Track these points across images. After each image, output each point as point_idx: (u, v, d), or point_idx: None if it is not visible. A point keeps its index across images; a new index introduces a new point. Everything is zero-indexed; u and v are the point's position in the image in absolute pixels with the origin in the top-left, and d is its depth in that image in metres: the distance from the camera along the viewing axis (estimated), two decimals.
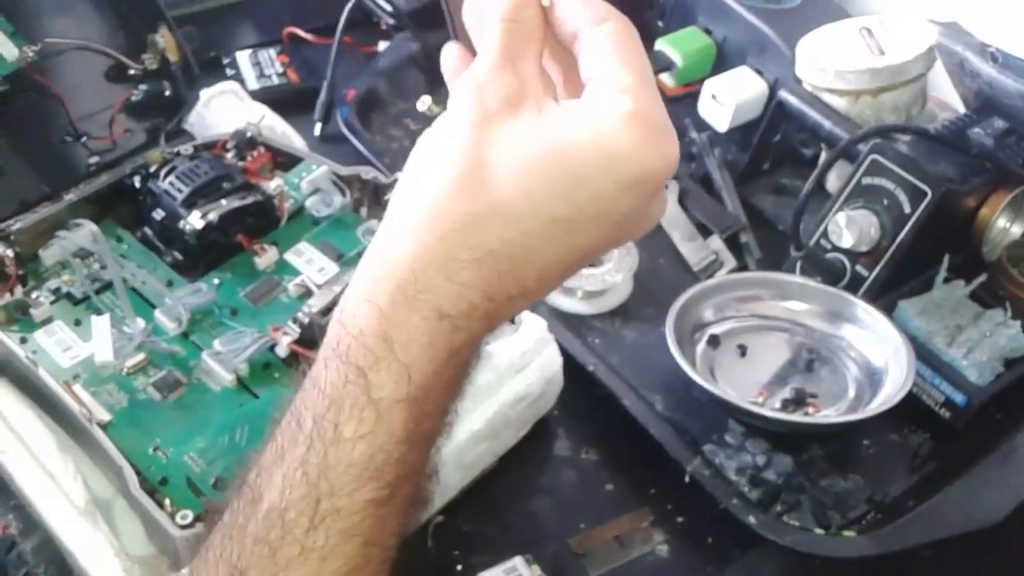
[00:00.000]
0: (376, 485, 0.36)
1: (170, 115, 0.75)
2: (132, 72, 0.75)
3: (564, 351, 0.67)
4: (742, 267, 0.79)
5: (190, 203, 0.66)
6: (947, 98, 0.83)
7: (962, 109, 0.80)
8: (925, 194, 0.68)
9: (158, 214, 0.67)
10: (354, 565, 0.37)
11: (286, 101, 0.91)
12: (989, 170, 0.72)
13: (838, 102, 0.79)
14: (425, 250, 0.36)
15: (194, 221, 0.65)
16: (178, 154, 0.71)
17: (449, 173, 0.36)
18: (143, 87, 0.74)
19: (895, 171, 0.69)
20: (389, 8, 0.96)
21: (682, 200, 0.84)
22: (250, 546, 0.37)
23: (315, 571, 0.36)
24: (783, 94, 0.80)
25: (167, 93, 0.75)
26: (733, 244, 0.80)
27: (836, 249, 0.71)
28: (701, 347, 0.70)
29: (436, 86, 0.95)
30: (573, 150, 0.36)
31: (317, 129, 0.90)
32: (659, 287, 0.77)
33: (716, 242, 0.80)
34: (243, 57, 0.95)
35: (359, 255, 0.49)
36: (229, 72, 0.93)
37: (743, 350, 0.70)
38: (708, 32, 0.93)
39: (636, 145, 0.36)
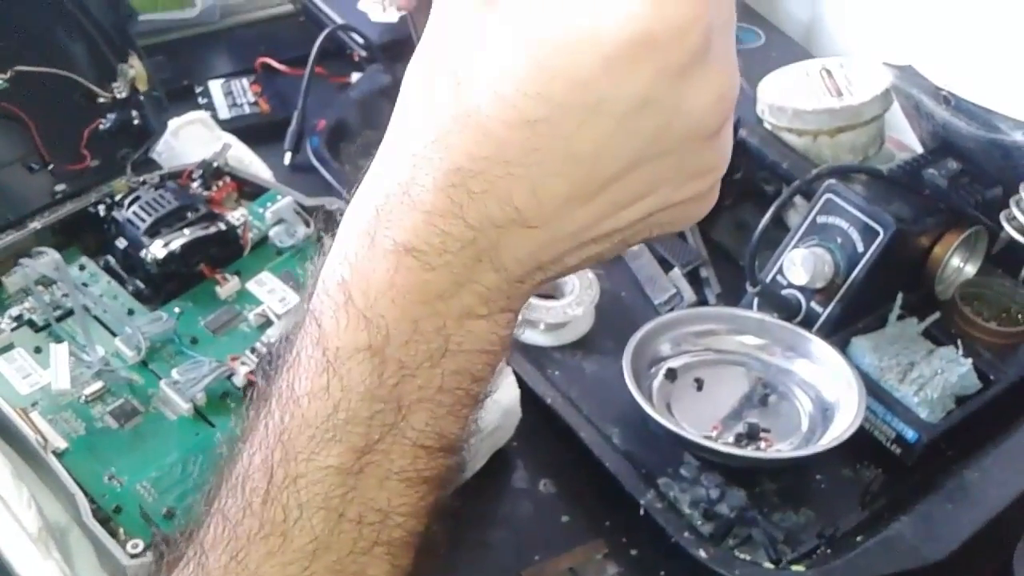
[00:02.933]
0: (339, 449, 0.32)
1: (138, 144, 0.75)
2: (101, 100, 0.76)
3: (523, 383, 0.68)
4: (702, 301, 0.80)
5: (153, 232, 0.66)
6: (905, 138, 0.85)
7: (919, 149, 0.82)
8: (877, 233, 0.70)
9: (121, 243, 0.67)
10: (325, 543, 0.33)
11: (257, 130, 0.92)
12: (943, 210, 0.74)
13: (797, 141, 0.81)
14: (388, 179, 0.31)
15: (156, 250, 0.65)
16: (144, 183, 0.71)
17: (413, 86, 0.32)
18: (111, 116, 0.75)
19: (849, 210, 0.71)
20: (361, 40, 0.98)
21: None
22: (216, 521, 0.34)
23: (278, 548, 0.32)
24: (743, 133, 0.82)
25: (136, 122, 0.76)
26: (694, 279, 0.82)
27: (791, 286, 0.73)
28: (658, 380, 0.71)
29: None
30: (540, 26, 0.28)
31: (287, 158, 0.91)
32: (620, 320, 0.78)
33: (677, 276, 0.81)
34: (215, 86, 0.96)
35: None
36: (201, 101, 0.94)
37: (699, 383, 0.71)
38: None
39: None
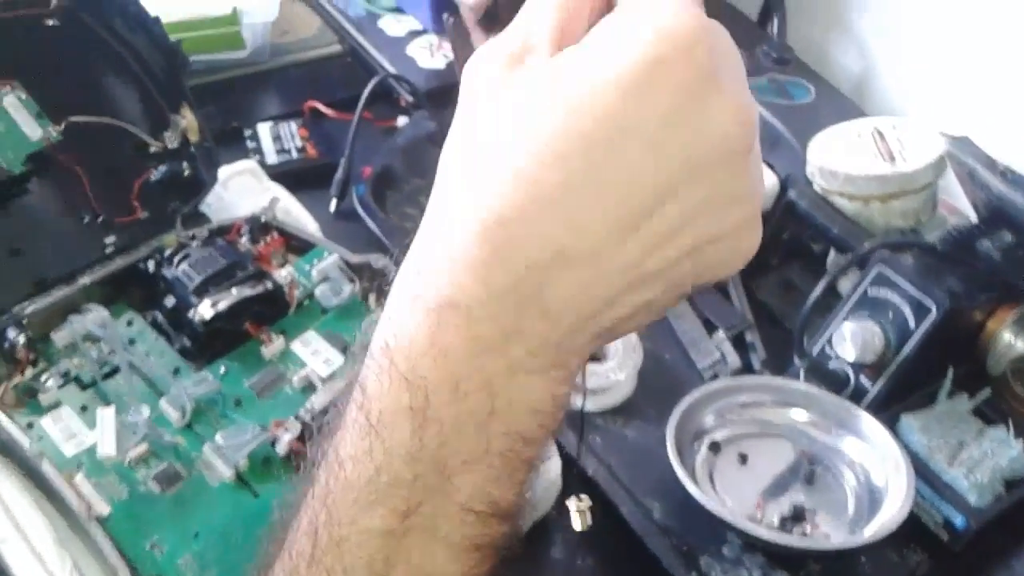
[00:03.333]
0: (382, 511, 0.32)
1: (188, 197, 0.76)
2: (153, 150, 0.77)
3: (562, 450, 0.67)
4: (746, 365, 0.79)
5: (201, 291, 0.67)
6: (958, 203, 0.84)
7: (973, 215, 0.81)
8: (929, 310, 0.68)
9: (169, 301, 0.68)
10: None
11: (304, 176, 0.93)
12: (996, 284, 0.72)
13: (847, 206, 0.79)
14: (430, 237, 0.32)
15: (204, 311, 0.66)
16: (193, 237, 0.72)
17: (451, 149, 0.33)
18: (162, 168, 0.76)
19: (900, 285, 0.70)
20: (408, 87, 0.98)
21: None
22: None
23: None
24: (792, 195, 0.81)
25: (186, 173, 0.77)
26: (739, 342, 0.81)
27: (840, 359, 0.71)
28: (702, 454, 0.70)
29: None
30: (562, 73, 0.30)
31: (333, 205, 0.91)
32: (663, 384, 0.77)
33: (721, 340, 0.80)
34: (264, 129, 0.96)
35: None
36: (250, 144, 0.95)
37: (743, 458, 0.70)
38: None
39: (630, 11, 0.30)
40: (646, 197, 0.30)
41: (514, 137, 0.30)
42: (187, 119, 0.77)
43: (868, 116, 0.91)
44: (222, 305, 0.66)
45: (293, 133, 0.97)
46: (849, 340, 0.70)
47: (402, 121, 1.00)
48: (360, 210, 0.89)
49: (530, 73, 0.31)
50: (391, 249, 0.85)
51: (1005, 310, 0.72)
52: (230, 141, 0.95)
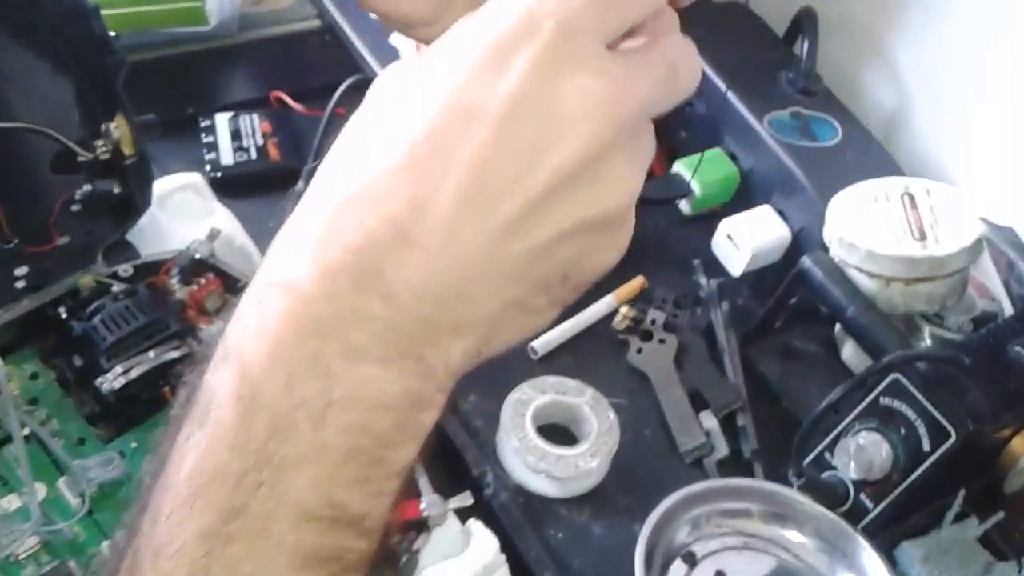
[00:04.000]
0: (203, 508, 0.28)
1: (116, 221, 0.67)
2: (81, 159, 0.67)
3: (513, 544, 0.60)
4: (735, 453, 0.71)
5: (113, 354, 0.58)
6: (990, 283, 0.75)
7: (1006, 303, 0.72)
8: (948, 435, 0.60)
9: (78, 360, 0.59)
10: None
11: (262, 181, 0.84)
12: None
13: (866, 283, 0.70)
14: (287, 226, 0.31)
15: (113, 379, 0.57)
16: (115, 276, 0.63)
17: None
18: (88, 186, 0.66)
19: (917, 399, 0.61)
20: None
21: (679, 358, 0.76)
22: None
23: None
24: (807, 263, 0.72)
25: (116, 191, 0.67)
26: (729, 422, 0.72)
27: (840, 471, 0.63)
28: (676, 565, 0.62)
29: None
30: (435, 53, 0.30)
31: None
32: (639, 468, 0.69)
33: (710, 420, 0.72)
34: (222, 122, 0.86)
35: None
36: (205, 139, 0.84)
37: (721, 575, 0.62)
38: (733, 158, 0.84)
39: None
40: (497, 181, 0.28)
41: (370, 123, 0.30)
42: (121, 129, 0.67)
43: (898, 163, 0.81)
44: (136, 372, 0.58)
45: (255, 128, 0.86)
46: (853, 454, 0.62)
47: None
48: None
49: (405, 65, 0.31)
50: None
51: None
52: (182, 133, 0.85)
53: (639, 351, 0.76)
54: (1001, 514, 0.64)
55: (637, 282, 0.80)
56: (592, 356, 0.76)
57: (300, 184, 0.82)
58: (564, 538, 0.65)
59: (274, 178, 0.83)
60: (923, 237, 0.69)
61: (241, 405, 0.28)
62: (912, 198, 0.73)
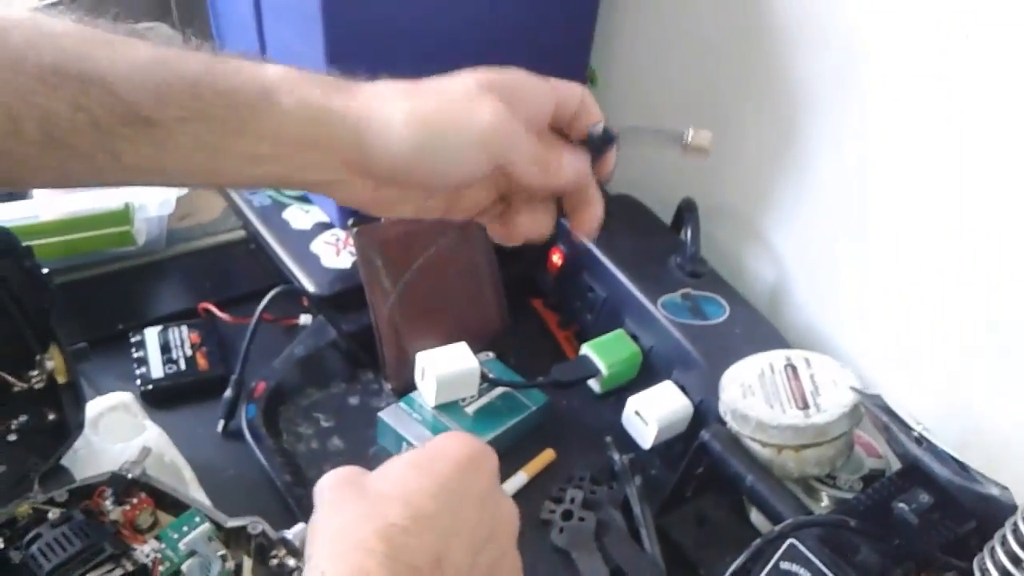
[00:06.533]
0: None
1: (51, 447, 0.70)
2: (16, 390, 0.70)
3: None
4: None
5: None
6: (876, 440, 0.81)
7: (891, 456, 0.78)
8: None
9: None
10: None
11: (192, 391, 0.87)
12: (913, 553, 0.69)
13: (761, 451, 0.76)
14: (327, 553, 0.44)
15: None
16: (51, 501, 0.65)
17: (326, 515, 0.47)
18: (23, 417, 0.69)
19: (812, 561, 0.66)
20: (308, 295, 0.94)
21: (599, 535, 0.80)
22: None
23: None
24: (705, 436, 0.77)
25: (50, 418, 0.70)
26: None
27: None
28: None
29: (356, 371, 0.92)
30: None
31: (220, 426, 0.85)
32: None
33: None
34: (151, 337, 0.90)
35: None
36: (135, 354, 0.89)
37: None
38: (635, 338, 0.91)
39: None
40: (481, 533, 0.46)
41: (400, 487, 0.46)
42: (55, 359, 0.71)
43: (782, 335, 0.89)
44: None
45: (183, 339, 0.91)
46: None
47: (305, 319, 0.96)
48: (248, 436, 0.83)
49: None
50: (277, 480, 0.80)
51: None
52: (113, 349, 0.89)
53: (561, 531, 0.80)
54: None
55: (547, 455, 0.85)
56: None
57: (228, 391, 0.86)
58: None
59: (204, 387, 0.88)
60: (806, 406, 0.75)
61: None
62: (794, 368, 0.79)
